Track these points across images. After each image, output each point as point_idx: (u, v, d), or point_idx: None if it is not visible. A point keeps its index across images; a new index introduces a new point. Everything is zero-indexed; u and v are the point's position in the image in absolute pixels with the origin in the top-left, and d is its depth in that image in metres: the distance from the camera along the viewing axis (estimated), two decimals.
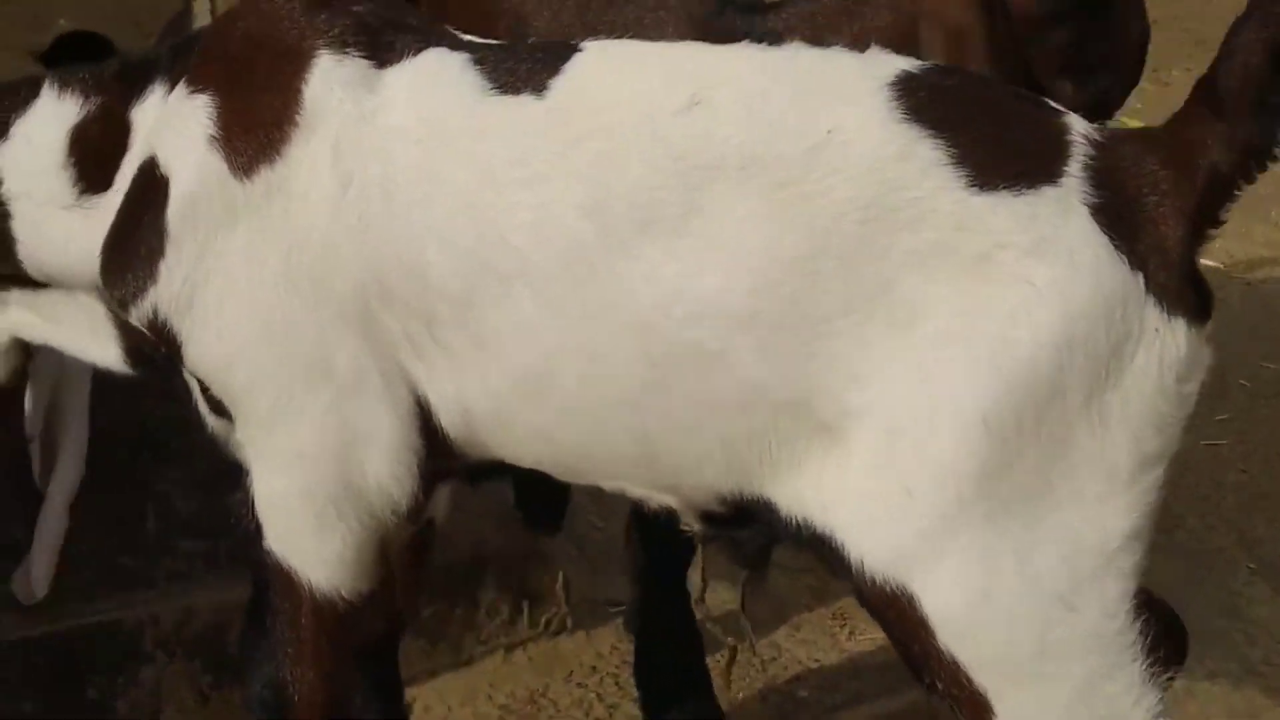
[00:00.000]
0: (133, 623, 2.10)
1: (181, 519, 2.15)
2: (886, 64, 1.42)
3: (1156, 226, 1.35)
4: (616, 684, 2.36)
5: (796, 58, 1.49)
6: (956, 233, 1.35)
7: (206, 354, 1.60)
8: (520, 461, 1.61)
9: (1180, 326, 1.34)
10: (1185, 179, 1.35)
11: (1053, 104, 1.45)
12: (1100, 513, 1.36)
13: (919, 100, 1.37)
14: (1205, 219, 1.35)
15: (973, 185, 1.34)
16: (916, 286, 1.36)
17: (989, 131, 1.38)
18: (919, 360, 1.36)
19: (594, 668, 2.39)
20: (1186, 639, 1.71)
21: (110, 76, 1.68)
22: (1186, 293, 1.34)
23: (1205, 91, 1.36)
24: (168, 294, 1.57)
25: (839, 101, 1.40)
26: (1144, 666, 1.38)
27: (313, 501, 1.62)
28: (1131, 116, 4.70)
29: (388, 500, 1.61)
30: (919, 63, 1.45)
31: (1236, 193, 1.36)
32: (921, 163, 1.35)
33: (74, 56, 3.73)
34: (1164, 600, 1.70)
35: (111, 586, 2.11)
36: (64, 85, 1.68)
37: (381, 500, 1.61)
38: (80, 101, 1.66)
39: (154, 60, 1.67)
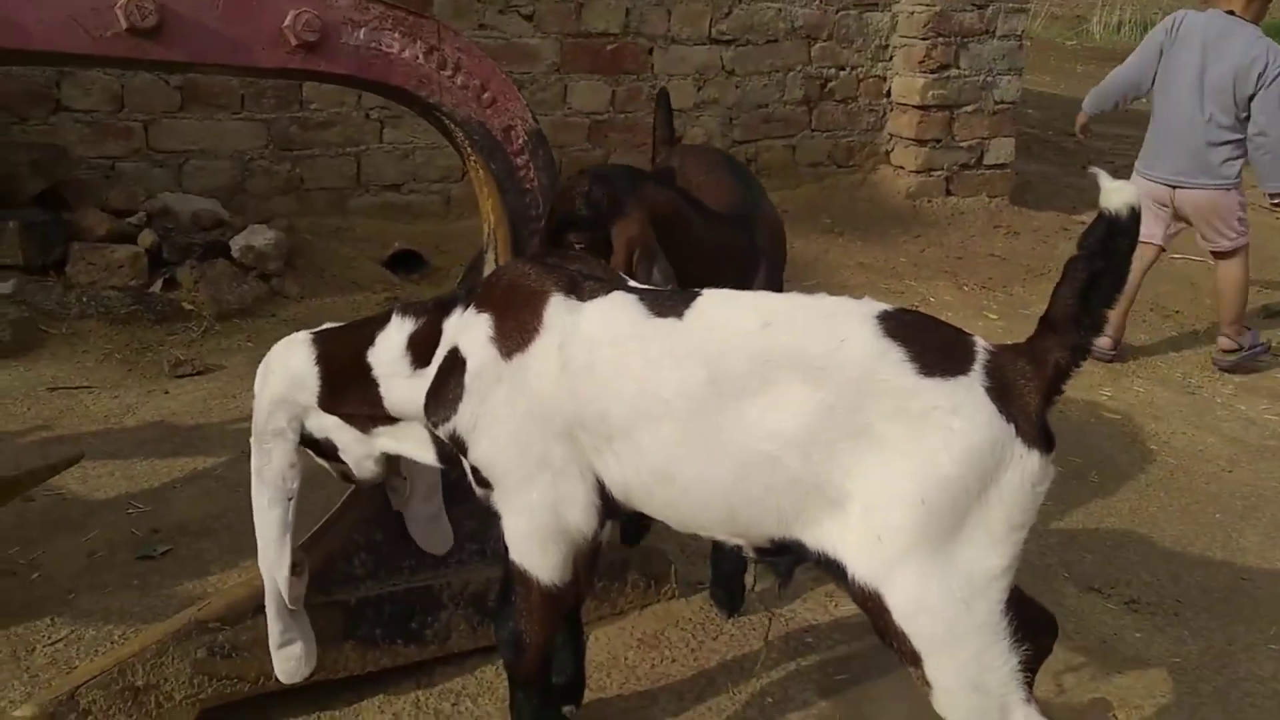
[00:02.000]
0: (438, 587, 2.44)
1: (466, 531, 2.46)
2: (875, 305, 1.72)
3: (1023, 398, 1.63)
4: (704, 629, 2.70)
5: (822, 300, 1.76)
6: (909, 399, 1.62)
7: (482, 454, 1.89)
8: (654, 515, 1.88)
9: (1035, 455, 1.63)
10: (1040, 371, 1.64)
11: (963, 330, 1.74)
12: (986, 556, 1.63)
13: (891, 326, 1.67)
14: (1054, 392, 1.66)
15: (919, 373, 1.63)
16: (886, 427, 1.63)
17: (930, 344, 1.66)
18: (887, 466, 1.63)
19: (692, 619, 2.73)
20: (1055, 630, 2.02)
21: (431, 306, 2.00)
22: (1039, 436, 1.63)
23: (1047, 319, 1.67)
24: (462, 422, 1.88)
25: (848, 324, 1.68)
26: (1011, 642, 1.65)
27: (539, 535, 1.90)
28: (989, 312, 5.20)
29: (580, 534, 1.91)
30: (893, 306, 1.73)
31: (1073, 373, 1.66)
32: (892, 360, 1.64)
33: (402, 263, 4.36)
34: (1043, 605, 2.03)
35: (428, 568, 2.44)
36: (404, 312, 2.02)
37: (577, 534, 1.90)
38: (414, 321, 1.99)
39: (456, 297, 1.98)
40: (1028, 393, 1.64)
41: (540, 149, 2.60)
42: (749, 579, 2.68)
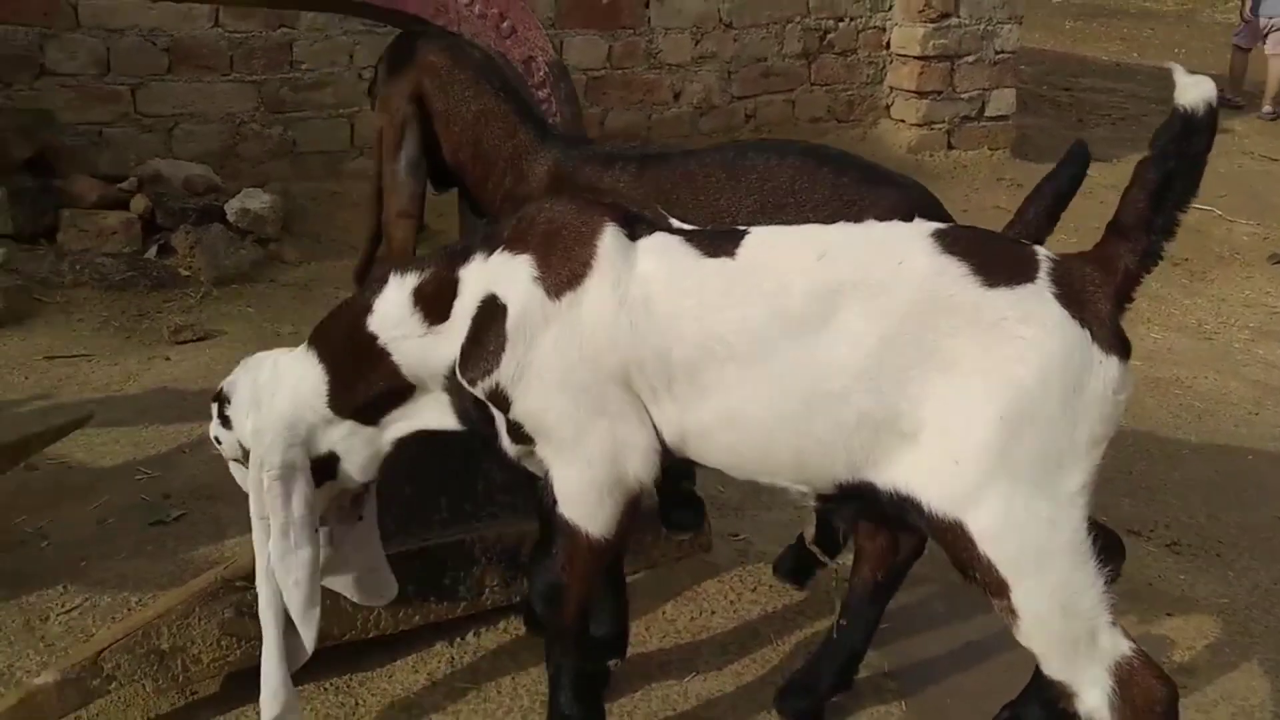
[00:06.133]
0: (469, 541, 2.36)
1: (498, 483, 2.38)
2: (927, 225, 1.67)
3: (1094, 303, 1.57)
4: (741, 580, 2.64)
5: (873, 226, 1.73)
6: (976, 312, 1.57)
7: (531, 405, 1.78)
8: (711, 463, 1.79)
9: (1114, 361, 1.56)
10: (1109, 276, 1.59)
11: (1022, 240, 1.68)
12: (1069, 472, 1.55)
13: (948, 242, 1.62)
14: (1124, 297, 1.59)
15: (984, 285, 1.57)
16: (955, 345, 1.57)
17: (990, 256, 1.61)
18: (960, 387, 1.57)
19: (729, 572, 2.67)
20: (1124, 552, 2.00)
21: (436, 259, 1.87)
22: (1115, 341, 1.56)
23: (1115, 225, 1.62)
24: (506, 373, 1.76)
25: (903, 245, 1.64)
26: (1097, 563, 1.58)
27: (597, 486, 1.80)
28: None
29: (639, 482, 1.81)
30: (946, 224, 1.69)
31: (1143, 278, 1.60)
32: (954, 275, 1.59)
33: None
34: (1112, 528, 2.00)
35: (460, 521, 2.37)
36: (401, 271, 1.87)
37: (635, 483, 1.81)
38: (417, 275, 1.85)
39: (471, 245, 1.85)
40: (1098, 298, 1.58)
41: (562, 81, 2.51)
42: (808, 531, 2.54)
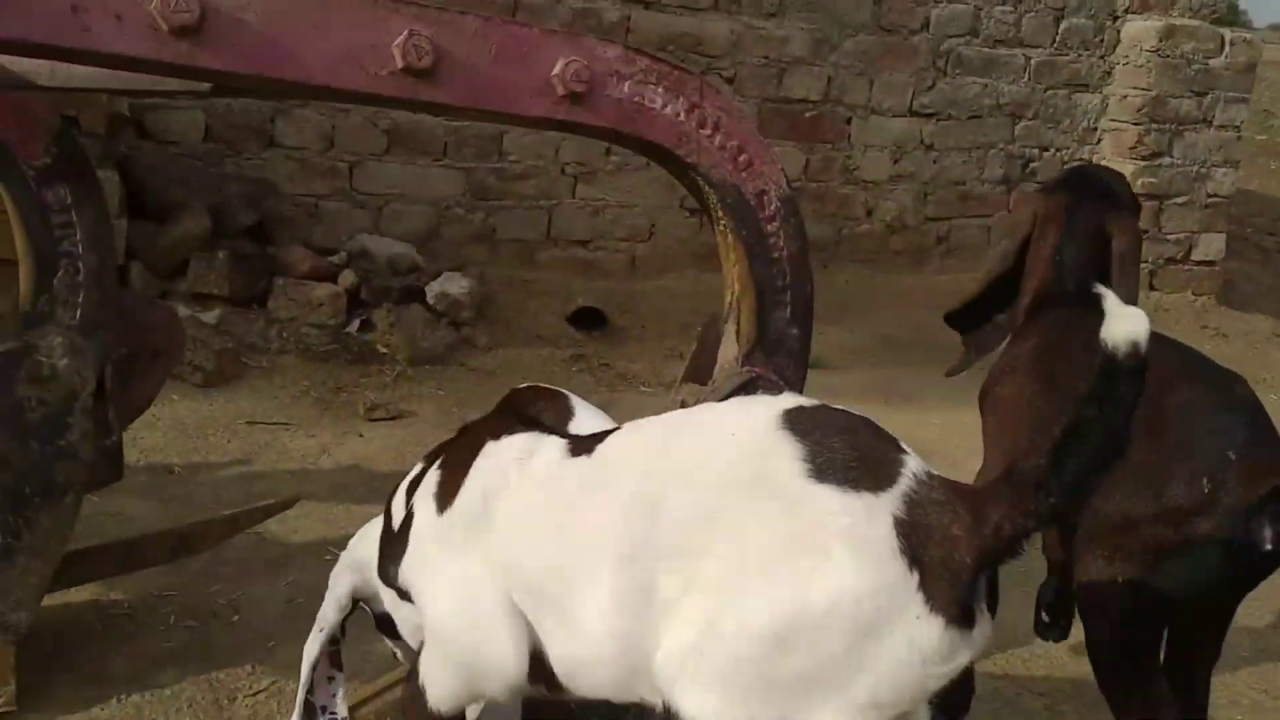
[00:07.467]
0: None
1: None
2: (781, 404, 1.44)
3: (946, 550, 1.27)
4: None
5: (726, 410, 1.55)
6: (796, 504, 1.32)
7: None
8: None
9: (936, 622, 1.26)
10: (977, 527, 1.28)
11: (901, 444, 1.38)
12: (826, 712, 1.30)
13: (795, 424, 1.38)
14: (990, 558, 1.29)
15: (813, 477, 1.32)
16: (757, 536, 1.34)
17: (843, 451, 1.34)
18: (740, 581, 1.33)
19: None
20: None
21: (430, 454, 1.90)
22: (952, 604, 1.26)
23: (1010, 468, 1.31)
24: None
25: (744, 425, 1.43)
26: None
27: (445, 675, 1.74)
28: None
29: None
30: (810, 402, 1.45)
31: (1023, 544, 1.28)
32: (784, 456, 1.35)
33: (585, 320, 3.96)
34: None
35: None
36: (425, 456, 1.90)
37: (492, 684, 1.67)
38: (422, 464, 1.90)
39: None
40: (956, 546, 1.27)
41: (792, 217, 2.44)
42: None
